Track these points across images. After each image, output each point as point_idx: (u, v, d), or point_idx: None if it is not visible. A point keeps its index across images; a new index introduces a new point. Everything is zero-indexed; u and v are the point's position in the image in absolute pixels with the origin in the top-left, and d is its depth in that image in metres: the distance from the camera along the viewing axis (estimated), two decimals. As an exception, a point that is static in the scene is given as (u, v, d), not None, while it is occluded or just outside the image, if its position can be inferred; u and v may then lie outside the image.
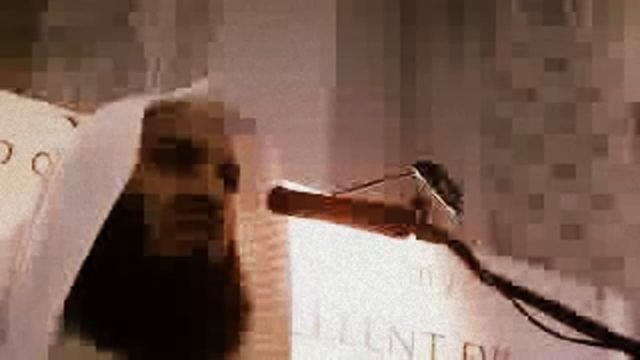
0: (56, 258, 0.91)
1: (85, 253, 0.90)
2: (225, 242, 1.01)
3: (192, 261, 0.95)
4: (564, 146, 3.97)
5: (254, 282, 1.06)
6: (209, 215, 0.97)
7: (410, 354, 3.06)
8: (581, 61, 4.08)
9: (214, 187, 0.99)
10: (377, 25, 4.01)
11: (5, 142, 2.46)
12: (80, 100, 2.74)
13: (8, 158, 2.45)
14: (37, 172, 2.42)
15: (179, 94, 1.05)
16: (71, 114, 2.53)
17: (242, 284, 1.04)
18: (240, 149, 1.08)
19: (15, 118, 2.49)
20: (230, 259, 1.03)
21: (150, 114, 0.99)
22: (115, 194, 0.92)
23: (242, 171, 1.07)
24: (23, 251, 0.94)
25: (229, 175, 1.03)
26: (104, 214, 0.92)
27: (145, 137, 0.96)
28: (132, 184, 0.94)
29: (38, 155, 2.45)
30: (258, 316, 1.05)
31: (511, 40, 4.17)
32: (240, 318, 1.02)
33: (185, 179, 0.98)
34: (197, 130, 1.02)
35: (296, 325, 1.09)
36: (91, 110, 1.07)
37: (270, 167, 1.10)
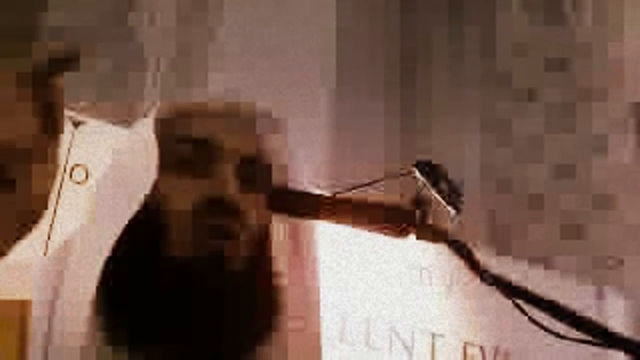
0: (87, 268, 0.94)
1: (105, 254, 0.92)
2: (251, 243, 0.99)
3: (208, 263, 0.95)
4: (564, 146, 3.97)
5: (285, 287, 1.05)
6: (224, 217, 0.96)
7: (410, 354, 3.06)
8: (581, 61, 4.08)
9: (229, 187, 0.97)
10: (377, 25, 4.01)
11: (5, 142, 2.45)
12: (80, 101, 2.74)
13: (8, 158, 2.44)
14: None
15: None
16: (71, 114, 2.52)
17: (273, 284, 1.02)
18: (268, 149, 1.06)
19: (15, 118, 2.48)
20: (259, 259, 1.01)
21: (166, 115, 1.01)
22: (135, 206, 0.95)
23: (267, 171, 1.05)
24: (68, 267, 0.95)
25: (250, 175, 1.01)
26: (125, 220, 0.94)
27: (162, 138, 0.97)
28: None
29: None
30: (290, 326, 1.03)
31: (511, 40, 4.17)
32: (268, 319, 1.00)
33: (201, 180, 0.98)
34: (213, 130, 1.01)
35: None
36: (91, 111, 1.08)
37: (299, 168, 1.09)
